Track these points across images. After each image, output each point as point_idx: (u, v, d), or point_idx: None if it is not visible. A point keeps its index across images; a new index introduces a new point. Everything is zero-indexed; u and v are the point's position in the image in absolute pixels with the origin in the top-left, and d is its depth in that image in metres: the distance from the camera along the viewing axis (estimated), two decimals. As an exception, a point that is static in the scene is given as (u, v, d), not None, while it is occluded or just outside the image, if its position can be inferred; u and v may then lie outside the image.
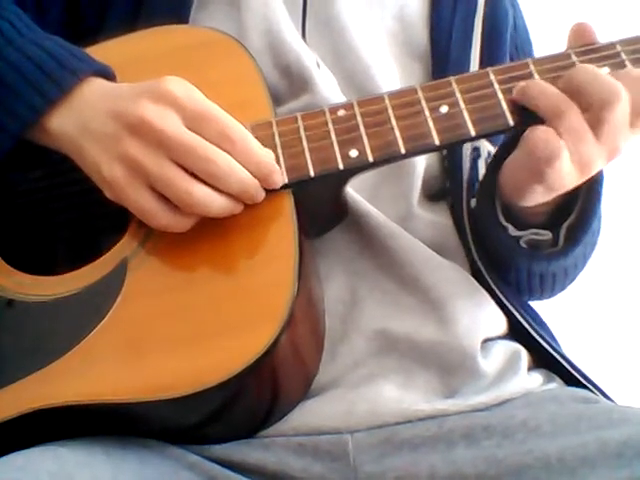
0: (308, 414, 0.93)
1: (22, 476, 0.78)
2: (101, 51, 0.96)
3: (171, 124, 0.86)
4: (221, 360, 0.83)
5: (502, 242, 1.03)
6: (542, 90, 0.92)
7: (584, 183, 0.95)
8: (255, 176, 0.88)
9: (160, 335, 0.86)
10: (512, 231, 1.02)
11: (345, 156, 0.91)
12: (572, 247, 1.02)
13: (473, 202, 1.08)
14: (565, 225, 1.02)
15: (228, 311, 0.86)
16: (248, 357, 0.82)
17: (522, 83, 0.93)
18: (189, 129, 0.87)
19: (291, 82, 1.04)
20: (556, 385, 1.03)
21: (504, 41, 1.16)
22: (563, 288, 1.14)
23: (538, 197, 0.95)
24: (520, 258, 1.04)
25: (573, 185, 0.93)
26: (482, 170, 1.09)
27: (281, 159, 0.91)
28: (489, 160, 1.06)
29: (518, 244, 1.03)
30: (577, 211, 1.01)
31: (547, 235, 1.02)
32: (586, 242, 1.03)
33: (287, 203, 0.90)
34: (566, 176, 0.91)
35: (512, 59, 1.15)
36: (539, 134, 0.90)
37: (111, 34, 1.01)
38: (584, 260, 1.09)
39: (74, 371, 0.85)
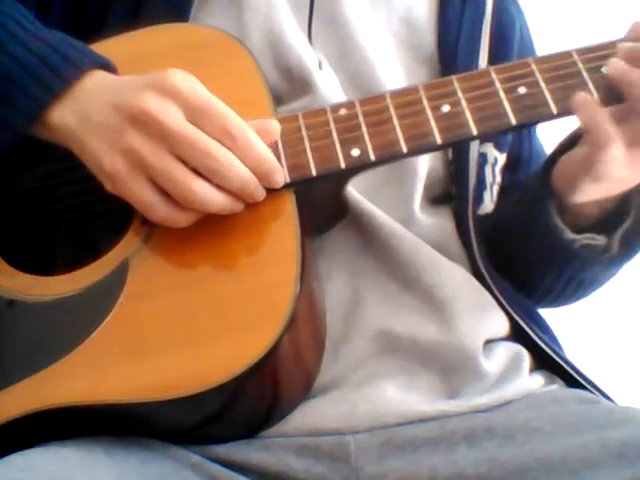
0: (309, 414, 0.92)
1: (24, 476, 0.78)
2: (102, 48, 0.95)
3: (174, 117, 0.86)
4: (223, 361, 0.83)
5: (558, 244, 1.02)
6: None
7: (637, 187, 0.95)
8: (255, 173, 0.88)
9: (162, 335, 0.86)
10: (569, 234, 1.01)
11: (347, 155, 0.91)
12: (629, 253, 1.02)
13: (483, 208, 1.09)
14: (619, 231, 1.01)
15: (230, 311, 0.86)
16: (250, 358, 0.82)
17: (618, 62, 0.91)
18: (191, 123, 0.86)
19: (292, 84, 1.03)
20: (557, 386, 1.03)
21: (511, 47, 1.16)
22: (586, 295, 1.14)
23: (587, 189, 0.95)
24: (575, 262, 1.03)
25: (620, 178, 0.93)
26: (489, 176, 1.10)
27: (282, 158, 0.91)
28: (543, 162, 1.05)
29: (575, 247, 1.02)
30: (632, 217, 1.01)
31: (602, 240, 1.02)
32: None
33: (289, 202, 0.90)
34: (619, 167, 0.91)
35: None
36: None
37: (112, 32, 1.00)
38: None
39: (76, 372, 0.85)
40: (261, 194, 0.89)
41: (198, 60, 0.97)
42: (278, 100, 1.00)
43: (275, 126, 0.91)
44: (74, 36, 0.94)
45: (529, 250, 1.06)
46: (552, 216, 1.01)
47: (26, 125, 0.90)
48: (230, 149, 0.87)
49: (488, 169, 1.10)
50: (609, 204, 1.00)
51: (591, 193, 0.96)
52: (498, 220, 1.11)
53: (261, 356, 0.82)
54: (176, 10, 1.04)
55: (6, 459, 0.81)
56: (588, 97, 0.90)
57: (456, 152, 1.08)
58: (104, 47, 0.96)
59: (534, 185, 1.05)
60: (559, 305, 1.15)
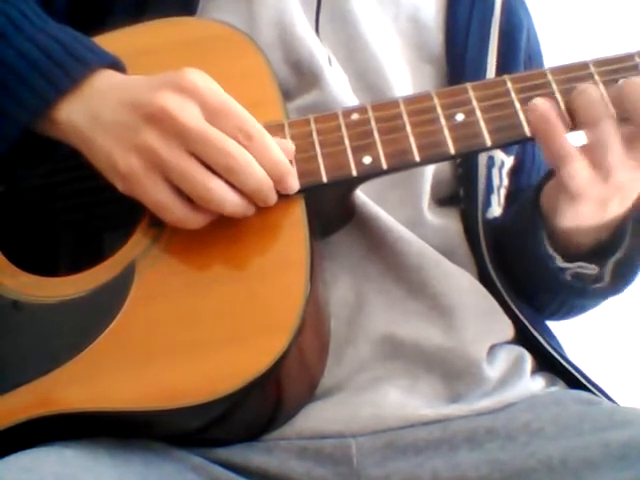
0: (312, 418, 0.92)
1: (27, 477, 0.78)
2: (108, 41, 0.93)
3: (192, 115, 0.85)
4: (231, 370, 0.82)
5: (548, 271, 1.01)
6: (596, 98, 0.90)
7: (630, 218, 0.95)
8: (270, 175, 0.87)
9: (169, 341, 0.85)
10: (559, 262, 1.00)
11: (359, 163, 0.89)
12: (620, 285, 1.01)
13: (491, 211, 1.08)
14: (612, 261, 1.00)
15: (238, 318, 0.85)
16: (259, 367, 0.82)
17: (582, 86, 0.90)
18: (208, 122, 0.85)
19: (301, 78, 1.02)
20: (558, 388, 1.03)
21: (519, 48, 1.14)
22: (579, 315, 1.15)
23: (569, 211, 0.94)
24: (565, 289, 1.02)
25: (597, 198, 0.91)
26: (496, 179, 1.09)
27: (293, 163, 0.89)
28: (534, 186, 1.03)
29: (566, 277, 1.01)
30: (625, 248, 0.99)
31: (594, 269, 1.00)
32: (632, 279, 1.02)
33: (298, 208, 0.89)
34: (586, 183, 0.89)
35: (525, 69, 1.13)
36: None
37: (118, 24, 0.98)
38: None
39: (81, 377, 0.84)
40: (273, 198, 0.88)
41: (205, 57, 0.95)
42: (286, 95, 0.98)
43: (290, 147, 0.90)
44: (78, 29, 0.92)
45: (524, 269, 1.05)
46: (543, 243, 0.99)
47: (29, 120, 0.88)
48: (247, 149, 0.86)
49: (495, 172, 1.09)
50: (603, 234, 0.99)
51: (574, 215, 0.95)
52: (500, 230, 1.10)
53: (270, 365, 0.82)
54: (183, 3, 1.02)
55: (9, 459, 0.81)
56: (546, 107, 0.89)
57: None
58: (107, 40, 0.95)
59: (526, 208, 1.03)
60: (555, 320, 1.15)
